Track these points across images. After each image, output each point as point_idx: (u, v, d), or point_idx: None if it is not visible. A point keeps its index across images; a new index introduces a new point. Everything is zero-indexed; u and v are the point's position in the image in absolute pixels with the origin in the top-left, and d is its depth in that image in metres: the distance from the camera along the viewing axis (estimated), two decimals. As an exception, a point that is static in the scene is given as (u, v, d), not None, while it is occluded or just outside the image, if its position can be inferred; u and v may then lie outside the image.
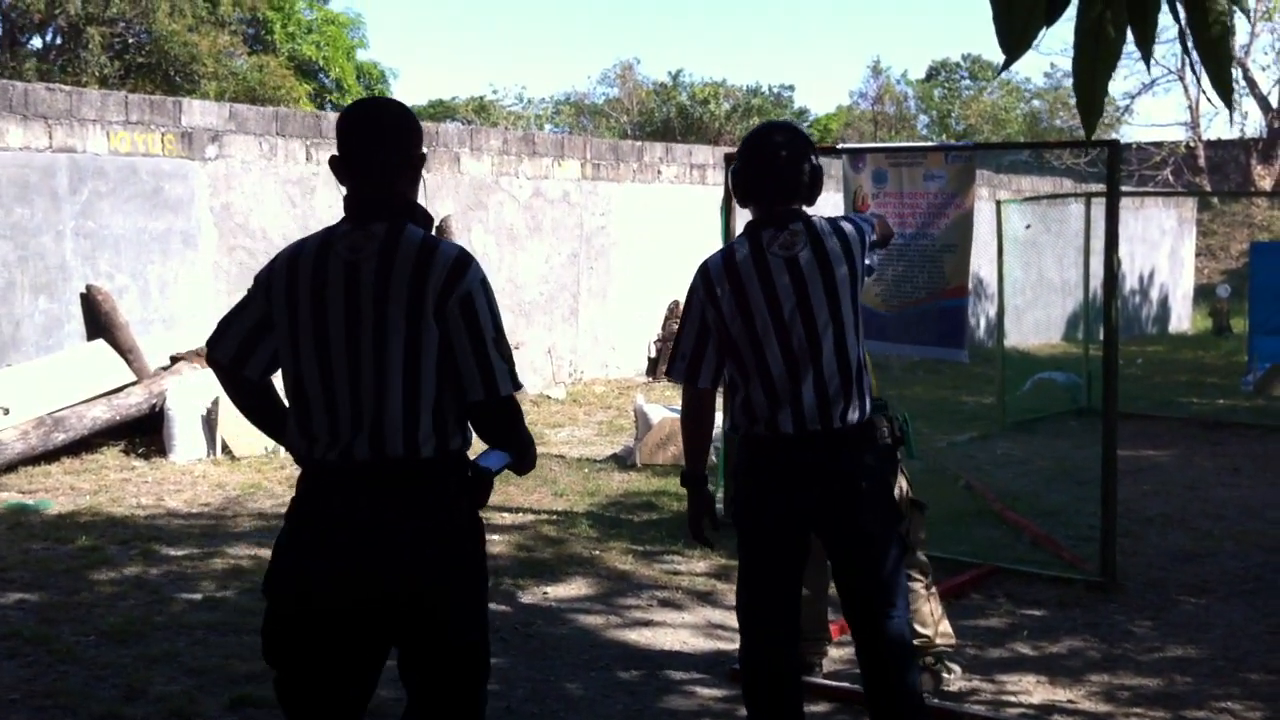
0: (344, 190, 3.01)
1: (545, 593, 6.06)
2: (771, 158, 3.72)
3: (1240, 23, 25.43)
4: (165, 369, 9.79)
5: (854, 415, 3.65)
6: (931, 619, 4.81)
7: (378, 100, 3.13)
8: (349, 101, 26.21)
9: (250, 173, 11.00)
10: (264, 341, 3.00)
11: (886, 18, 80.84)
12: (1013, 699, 4.77)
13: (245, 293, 3.08)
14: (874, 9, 79.96)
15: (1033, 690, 4.85)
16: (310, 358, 2.90)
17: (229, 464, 8.99)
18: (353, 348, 2.86)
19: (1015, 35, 2.08)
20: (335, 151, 3.00)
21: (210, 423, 9.16)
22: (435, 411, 2.86)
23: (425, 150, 3.08)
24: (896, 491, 4.59)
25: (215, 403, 9.11)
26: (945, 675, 4.84)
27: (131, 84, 23.19)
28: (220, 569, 6.32)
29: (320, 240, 2.95)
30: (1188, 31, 2.08)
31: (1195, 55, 2.09)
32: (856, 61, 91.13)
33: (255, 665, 4.90)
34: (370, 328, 2.85)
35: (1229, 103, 2.16)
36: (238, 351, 3.02)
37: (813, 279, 3.63)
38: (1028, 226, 14.38)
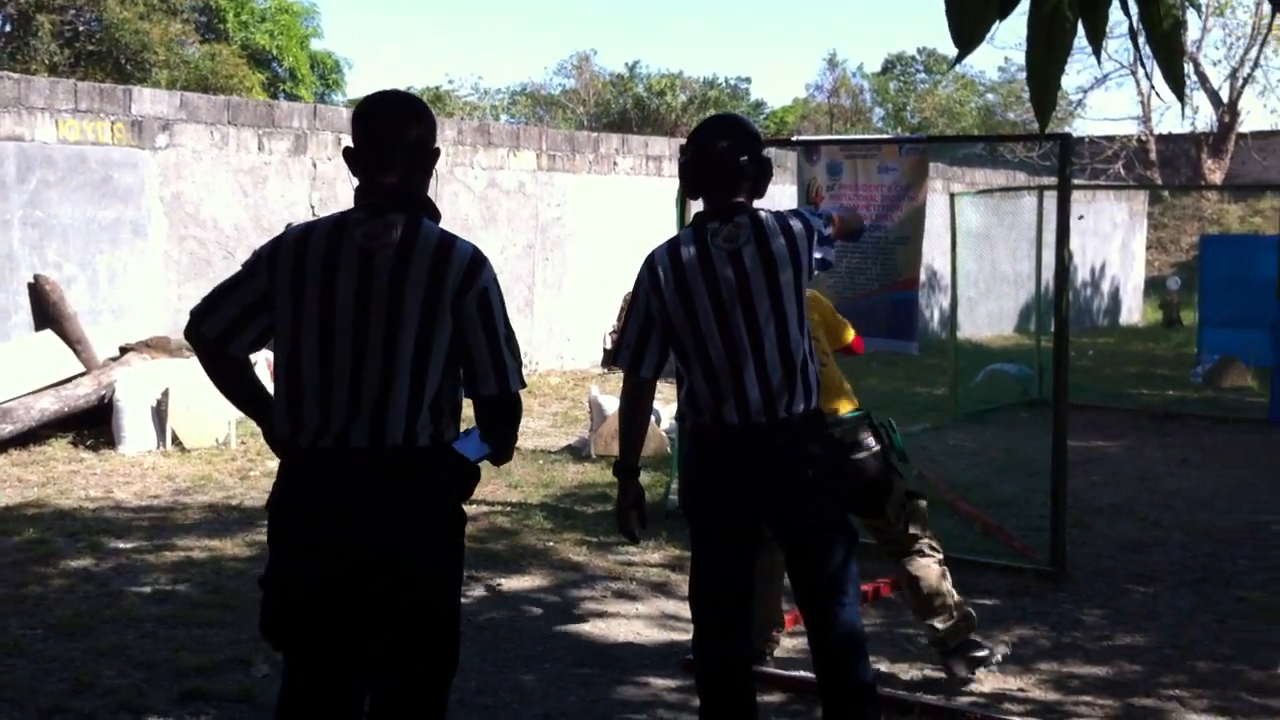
0: (355, 181, 3.04)
1: (499, 584, 6.04)
2: (718, 152, 3.72)
3: (1192, 17, 25.71)
4: (114, 359, 9.69)
5: (800, 406, 3.65)
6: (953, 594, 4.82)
7: (395, 93, 3.18)
8: (301, 91, 25.84)
9: (201, 162, 10.89)
10: (257, 320, 3.00)
11: (843, 11, 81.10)
12: (963, 687, 4.79)
13: (240, 268, 3.05)
14: (831, 2, 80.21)
15: (983, 679, 4.88)
16: (311, 340, 2.91)
17: (179, 455, 8.91)
18: (360, 334, 2.88)
19: (968, 29, 2.09)
20: (349, 143, 3.05)
21: (160, 414, 9.07)
22: (434, 403, 2.90)
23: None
24: (898, 487, 4.65)
25: (165, 394, 9.02)
26: (1000, 644, 4.92)
27: (82, 72, 22.86)
28: (170, 561, 6.26)
29: (333, 224, 2.97)
30: (1140, 27, 2.09)
31: (1147, 50, 2.10)
32: (813, 54, 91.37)
33: (204, 658, 4.87)
34: (382, 316, 2.88)
35: (1181, 97, 2.17)
36: (228, 327, 3.01)
37: (755, 273, 3.63)
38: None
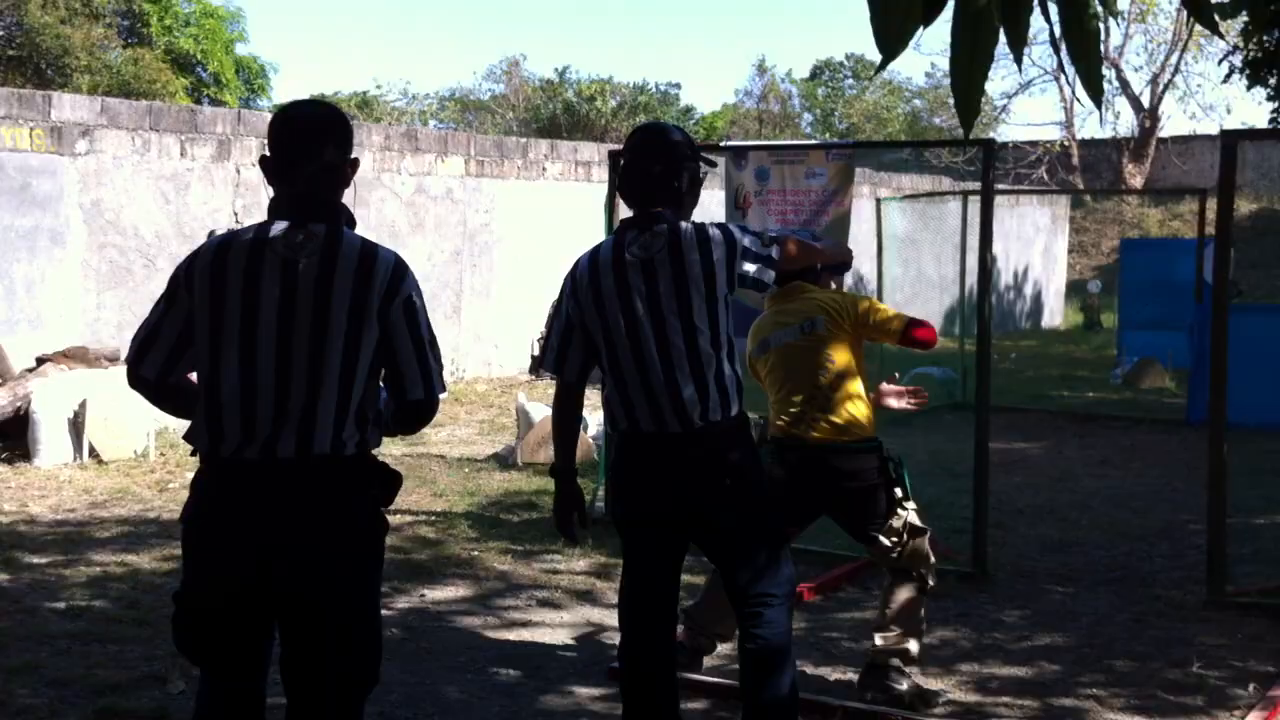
0: (270, 191, 3.04)
1: (423, 595, 5.99)
2: (643, 161, 3.73)
3: (1114, 24, 26.15)
4: (31, 371, 9.49)
5: (716, 415, 3.64)
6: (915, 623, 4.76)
7: (312, 103, 3.19)
8: (226, 96, 25.53)
9: (122, 169, 10.72)
10: (191, 348, 2.98)
11: (772, 17, 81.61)
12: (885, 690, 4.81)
13: (160, 298, 3.02)
14: (760, 8, 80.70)
15: (901, 681, 4.90)
16: (231, 351, 2.89)
17: (96, 468, 8.75)
18: (283, 344, 2.87)
19: (892, 35, 2.10)
20: (266, 151, 3.04)
21: (78, 426, 8.90)
22: (359, 411, 2.92)
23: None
24: (900, 520, 4.64)
25: (83, 405, 8.86)
26: (933, 697, 4.73)
27: (1, 77, 22.45)
28: (85, 577, 6.13)
29: (253, 235, 2.95)
30: (1060, 34, 2.12)
31: (1068, 57, 2.13)
32: (742, 60, 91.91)
33: (120, 675, 4.78)
34: (307, 326, 2.87)
35: (1099, 103, 2.21)
36: (165, 365, 3.00)
37: (665, 283, 3.62)
38: None
